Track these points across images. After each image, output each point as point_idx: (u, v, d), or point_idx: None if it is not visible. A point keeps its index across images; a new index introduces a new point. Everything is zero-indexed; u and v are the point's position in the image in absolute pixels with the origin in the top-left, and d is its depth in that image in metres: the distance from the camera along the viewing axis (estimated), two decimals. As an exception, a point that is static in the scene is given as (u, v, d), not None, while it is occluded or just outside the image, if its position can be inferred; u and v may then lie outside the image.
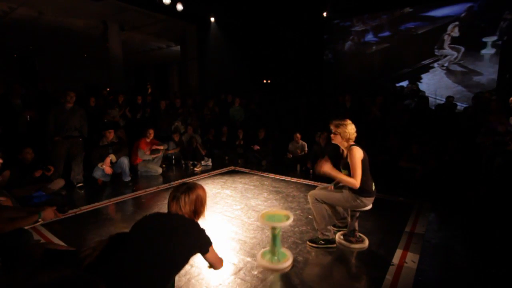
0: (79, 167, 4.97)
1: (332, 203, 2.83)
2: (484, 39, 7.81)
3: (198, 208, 1.65)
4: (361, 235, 2.95)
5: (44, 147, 4.89)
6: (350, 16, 9.84)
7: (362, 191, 2.60)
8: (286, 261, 2.40)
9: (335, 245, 2.83)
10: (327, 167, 2.58)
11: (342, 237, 2.94)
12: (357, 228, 2.88)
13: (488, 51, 7.82)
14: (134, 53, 14.67)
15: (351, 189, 2.63)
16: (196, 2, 9.02)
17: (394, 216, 3.68)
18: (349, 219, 2.93)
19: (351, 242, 2.85)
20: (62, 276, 0.72)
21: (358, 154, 2.55)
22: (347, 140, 2.67)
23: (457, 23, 8.12)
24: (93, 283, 0.73)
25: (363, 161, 2.57)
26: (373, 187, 2.72)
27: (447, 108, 6.69)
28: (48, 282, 0.69)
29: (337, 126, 2.69)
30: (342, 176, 2.59)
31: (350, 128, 2.66)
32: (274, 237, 2.39)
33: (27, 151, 4.19)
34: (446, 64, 8.41)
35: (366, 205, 2.70)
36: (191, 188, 1.65)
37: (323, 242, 2.80)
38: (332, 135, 2.74)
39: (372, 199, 2.71)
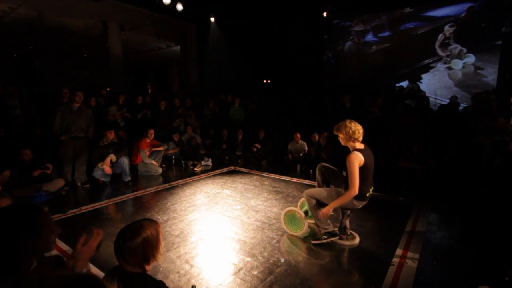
0: (83, 167, 4.98)
1: (325, 201, 2.86)
2: (484, 40, 7.82)
3: (148, 252, 1.35)
4: (352, 232, 2.99)
5: (43, 147, 4.86)
6: (350, 16, 9.84)
7: (357, 196, 2.64)
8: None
9: (338, 237, 2.88)
10: (325, 210, 2.76)
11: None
12: (348, 225, 2.95)
13: (487, 51, 7.82)
14: (134, 53, 14.68)
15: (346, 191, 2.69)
16: (196, 2, 9.02)
17: (394, 216, 3.68)
18: (341, 219, 2.98)
19: (342, 239, 2.89)
20: (70, 278, 0.71)
21: (355, 161, 2.55)
22: (352, 139, 2.65)
23: (452, 24, 8.11)
24: (103, 285, 0.71)
25: (362, 168, 2.58)
26: (369, 193, 2.76)
27: (451, 108, 6.67)
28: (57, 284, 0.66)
29: (338, 129, 2.71)
30: (337, 202, 2.68)
31: (352, 125, 2.64)
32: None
33: (25, 152, 4.18)
34: (446, 64, 8.41)
35: (356, 206, 2.79)
36: (136, 231, 1.33)
37: (326, 237, 2.85)
38: (340, 139, 2.76)
39: (364, 203, 2.79)
